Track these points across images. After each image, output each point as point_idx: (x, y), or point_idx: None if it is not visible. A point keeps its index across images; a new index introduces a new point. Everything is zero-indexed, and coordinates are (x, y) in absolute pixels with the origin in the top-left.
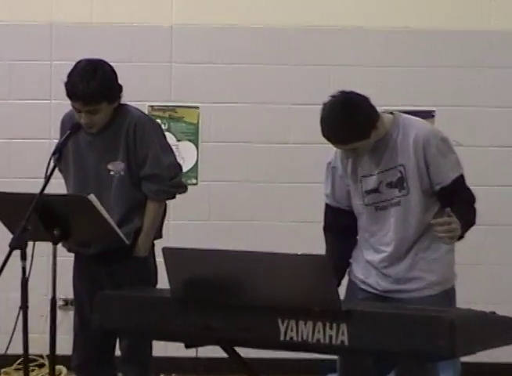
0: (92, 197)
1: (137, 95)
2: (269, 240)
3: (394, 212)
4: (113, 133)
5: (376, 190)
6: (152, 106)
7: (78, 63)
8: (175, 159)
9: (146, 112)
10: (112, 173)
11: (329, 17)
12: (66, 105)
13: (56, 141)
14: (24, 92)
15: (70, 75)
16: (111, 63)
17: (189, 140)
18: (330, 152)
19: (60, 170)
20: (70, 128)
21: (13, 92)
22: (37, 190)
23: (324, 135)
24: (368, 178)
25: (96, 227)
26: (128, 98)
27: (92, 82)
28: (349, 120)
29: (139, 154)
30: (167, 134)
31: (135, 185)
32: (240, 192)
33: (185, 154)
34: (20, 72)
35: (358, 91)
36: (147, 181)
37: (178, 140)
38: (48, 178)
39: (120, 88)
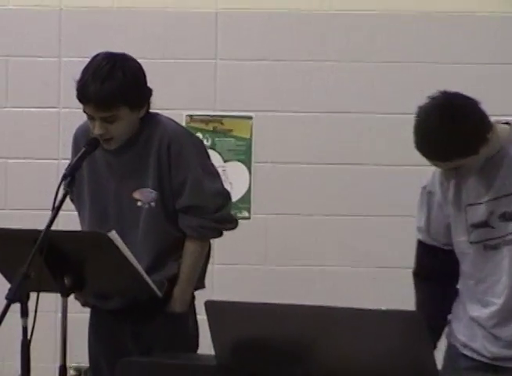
0: (114, 235)
1: (171, 101)
2: (343, 291)
3: (509, 252)
4: (140, 151)
5: (485, 224)
6: (191, 116)
7: (95, 57)
8: (222, 185)
9: (184, 124)
10: (139, 204)
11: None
12: (79, 114)
13: (67, 162)
14: (24, 96)
15: (82, 72)
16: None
17: (240, 160)
18: (425, 174)
19: (72, 200)
20: (86, 144)
21: (10, 96)
22: (41, 226)
23: (418, 149)
24: (475, 207)
25: (119, 274)
26: (159, 105)
27: (109, 82)
28: (453, 130)
29: (175, 179)
30: (210, 152)
31: (169, 219)
32: (306, 228)
33: (235, 179)
34: (19, 70)
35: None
36: (186, 214)
37: (226, 161)
38: (56, 211)
39: (148, 91)
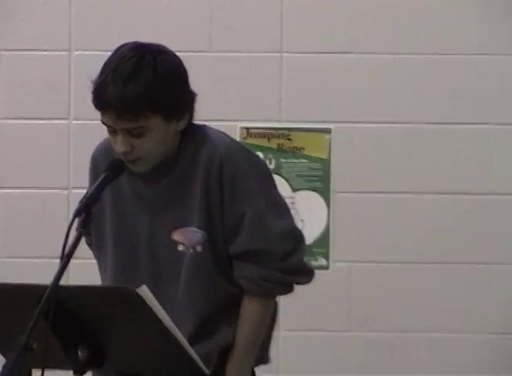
0: (145, 291)
1: (222, 109)
2: (456, 364)
3: None
4: (180, 177)
5: None
6: (247, 130)
7: (119, 49)
8: (292, 223)
9: (238, 139)
10: (181, 248)
11: None
12: (95, 128)
13: (80, 192)
14: (22, 103)
15: (101, 69)
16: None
17: (314, 189)
18: None
19: (89, 244)
20: (106, 168)
21: (3, 103)
22: (47, 279)
23: None
24: None
25: (151, 344)
26: (205, 114)
27: (135, 81)
28: None
29: (229, 215)
30: (275, 178)
31: (221, 268)
32: (404, 281)
33: (308, 215)
34: (17, 67)
35: None
36: (244, 262)
37: (295, 190)
38: (67, 259)
39: (190, 96)
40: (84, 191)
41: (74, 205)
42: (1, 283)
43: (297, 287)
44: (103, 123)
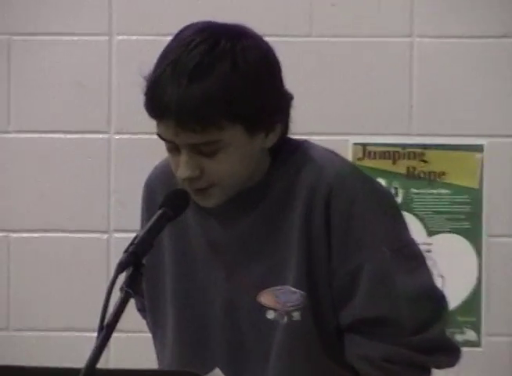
0: (217, 373)
1: (328, 119)
2: None
3: None
4: (271, 214)
5: None
6: (364, 147)
7: (182, 31)
8: (429, 279)
9: (350, 158)
10: (271, 316)
11: None
12: (147, 144)
13: (126, 236)
14: (46, 111)
15: (157, 62)
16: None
17: (459, 232)
18: None
19: (140, 308)
20: (164, 202)
21: (18, 113)
22: (79, 360)
23: None
24: None
25: None
26: (305, 126)
27: (204, 78)
28: None
29: (340, 269)
30: (406, 215)
31: (326, 344)
32: None
33: (450, 267)
34: (36, 60)
35: None
36: (360, 335)
37: (432, 233)
38: (108, 331)
39: (284, 99)
40: (130, 235)
41: (116, 255)
42: (19, 366)
43: (435, 372)
44: (160, 137)
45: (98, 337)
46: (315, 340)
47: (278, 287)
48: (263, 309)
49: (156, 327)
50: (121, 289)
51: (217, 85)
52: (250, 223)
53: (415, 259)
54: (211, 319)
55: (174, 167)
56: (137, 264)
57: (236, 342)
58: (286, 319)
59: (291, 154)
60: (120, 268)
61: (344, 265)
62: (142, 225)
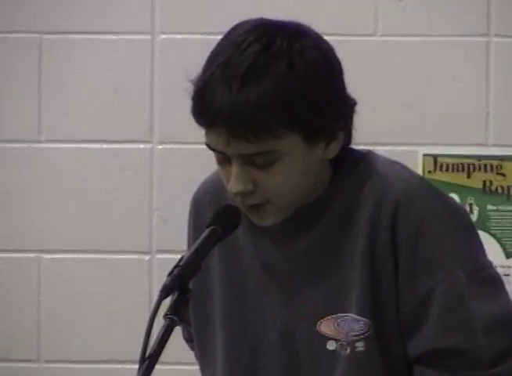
0: None
1: (396, 127)
2: None
3: None
4: (331, 233)
5: None
6: (435, 158)
7: (233, 30)
8: (508, 306)
9: (420, 171)
10: (332, 347)
11: None
12: (195, 155)
13: (170, 257)
14: (84, 120)
15: (206, 63)
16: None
17: None
18: None
19: (188, 338)
20: (213, 220)
21: (50, 121)
22: None
23: None
24: None
25: None
26: (369, 136)
27: (258, 81)
28: None
29: (408, 294)
30: (481, 235)
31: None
32: None
33: None
34: (65, 63)
35: None
36: (431, 368)
37: (511, 254)
38: (151, 362)
39: (346, 105)
40: (174, 256)
41: (160, 278)
42: None
43: None
44: (209, 147)
45: (139, 369)
46: (381, 373)
47: (340, 315)
48: (324, 338)
49: (204, 359)
50: (165, 316)
51: (272, 89)
52: (309, 242)
53: (492, 283)
54: (265, 348)
55: (224, 180)
56: (183, 288)
57: (293, 375)
58: (348, 350)
59: (354, 166)
60: (165, 292)
61: (413, 289)
62: (189, 246)
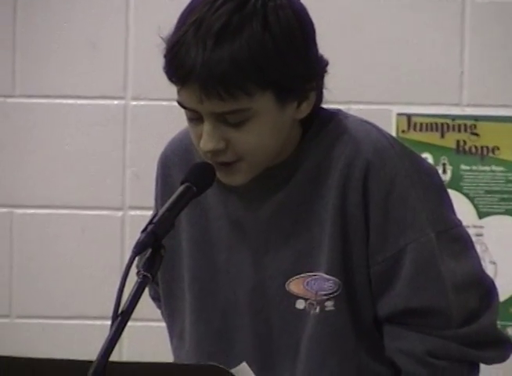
0: (244, 371)
1: (367, 86)
2: None
3: None
4: (301, 193)
5: None
6: (408, 118)
7: None
8: (478, 265)
9: (394, 133)
10: (302, 306)
11: None
12: (165, 111)
13: (143, 214)
14: (58, 75)
15: (179, 20)
16: None
17: (510, 213)
18: None
19: (155, 296)
20: (187, 177)
21: (28, 79)
22: (91, 352)
23: None
24: None
25: None
26: (341, 95)
27: (232, 39)
28: None
29: (379, 253)
30: (452, 195)
31: (363, 337)
32: None
33: (502, 253)
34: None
35: None
36: (401, 327)
37: (483, 214)
38: (123, 319)
39: (318, 64)
40: (147, 213)
41: (132, 235)
42: (25, 358)
43: (483, 368)
44: (181, 105)
45: (112, 326)
46: (350, 332)
47: (309, 274)
48: (293, 297)
49: (172, 318)
50: (138, 273)
51: (246, 47)
52: (279, 203)
53: (462, 242)
54: (235, 308)
55: (195, 139)
56: (156, 245)
57: (263, 334)
58: (318, 309)
59: (324, 126)
60: (138, 249)
61: (384, 249)
62: (157, 205)
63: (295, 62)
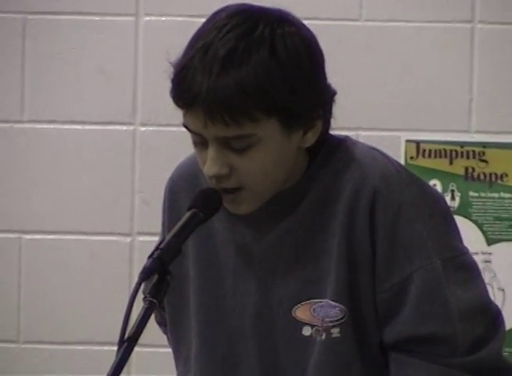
0: None
1: (377, 113)
2: None
3: None
4: (308, 220)
5: None
6: (417, 145)
7: (215, 15)
8: (485, 293)
9: (402, 161)
10: (308, 333)
11: None
12: (175, 137)
13: (150, 239)
14: (67, 101)
15: (187, 47)
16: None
17: None
18: None
19: (161, 321)
20: (193, 203)
21: (32, 101)
22: None
23: None
24: None
25: None
26: (349, 121)
27: (239, 66)
28: None
29: (385, 280)
30: (460, 224)
31: (369, 364)
32: None
33: (509, 279)
34: (50, 43)
35: None
36: (407, 355)
37: (492, 241)
38: (129, 345)
39: (326, 93)
40: (155, 238)
41: (140, 260)
42: None
43: None
44: (187, 128)
45: (118, 351)
46: (356, 359)
47: (315, 301)
48: (299, 324)
49: (178, 344)
50: (145, 299)
51: (253, 74)
52: (286, 230)
53: (469, 270)
54: (241, 335)
55: (201, 163)
56: (163, 271)
57: (268, 361)
58: (324, 336)
59: (332, 153)
60: (145, 275)
61: (390, 276)
62: (164, 231)
63: (301, 89)
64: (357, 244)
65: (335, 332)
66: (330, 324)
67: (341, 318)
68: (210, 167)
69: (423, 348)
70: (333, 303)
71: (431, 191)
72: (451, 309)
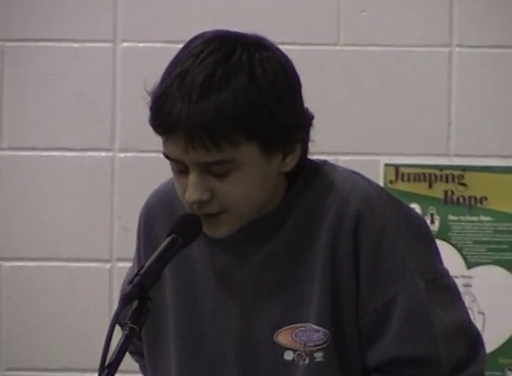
0: None
1: (356, 137)
2: None
3: None
4: (290, 245)
5: None
6: (396, 168)
7: (192, 41)
8: (465, 316)
9: (382, 183)
10: (290, 357)
11: None
12: (153, 163)
13: (126, 267)
14: (46, 127)
15: (165, 73)
16: (283, 48)
17: (502, 264)
18: None
19: (134, 350)
20: (173, 228)
21: (10, 127)
22: None
23: None
24: None
25: None
26: (327, 146)
27: (217, 92)
28: None
29: (369, 303)
30: (440, 245)
31: None
32: None
33: (491, 303)
34: (35, 69)
35: None
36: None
37: (472, 264)
38: (110, 372)
39: (304, 117)
40: (131, 268)
41: (120, 287)
42: None
43: None
44: (166, 156)
45: None
46: None
47: (297, 325)
48: (281, 349)
49: (155, 372)
50: (125, 325)
51: (232, 99)
52: (267, 254)
53: (450, 292)
54: (221, 361)
55: (180, 191)
56: (143, 297)
57: None
58: (307, 360)
59: (311, 178)
60: (125, 301)
61: (374, 299)
62: (138, 258)
63: (280, 113)
64: (340, 267)
65: (318, 356)
66: (313, 348)
67: (325, 342)
68: (191, 193)
69: (407, 370)
70: (316, 327)
71: (413, 214)
72: (435, 331)
